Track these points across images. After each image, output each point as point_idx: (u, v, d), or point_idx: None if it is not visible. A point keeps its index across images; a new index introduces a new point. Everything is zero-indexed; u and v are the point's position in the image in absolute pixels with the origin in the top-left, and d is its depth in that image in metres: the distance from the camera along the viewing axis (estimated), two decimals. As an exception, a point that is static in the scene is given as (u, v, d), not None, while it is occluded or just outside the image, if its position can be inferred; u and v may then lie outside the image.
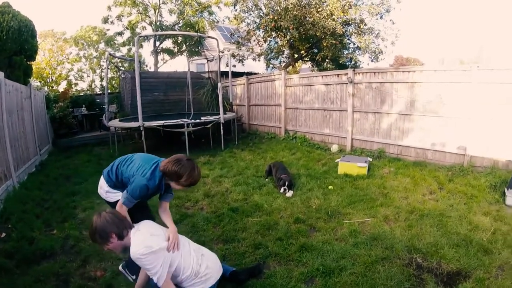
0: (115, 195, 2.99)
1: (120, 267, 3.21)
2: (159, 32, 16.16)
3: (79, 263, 3.61)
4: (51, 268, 3.49)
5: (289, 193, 5.33)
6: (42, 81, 22.78)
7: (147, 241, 2.41)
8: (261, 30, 14.49)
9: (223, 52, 12.13)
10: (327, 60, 14.73)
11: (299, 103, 10.02)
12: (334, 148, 8.49)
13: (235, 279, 3.01)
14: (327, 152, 8.40)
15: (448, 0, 73.66)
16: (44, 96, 11.93)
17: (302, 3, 12.40)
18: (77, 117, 14.35)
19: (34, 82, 20.77)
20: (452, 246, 3.52)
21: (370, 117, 7.88)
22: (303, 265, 3.29)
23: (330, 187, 5.52)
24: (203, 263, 2.69)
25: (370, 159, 6.91)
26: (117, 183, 2.99)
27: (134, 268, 2.91)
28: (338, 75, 8.68)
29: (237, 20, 14.82)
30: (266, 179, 6.22)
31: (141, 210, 3.01)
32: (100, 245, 2.49)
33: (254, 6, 14.06)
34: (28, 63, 10.74)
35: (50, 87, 22.45)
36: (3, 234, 4.39)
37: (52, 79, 23.61)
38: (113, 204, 2.95)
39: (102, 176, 3.12)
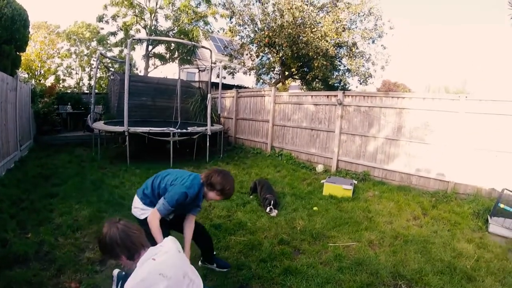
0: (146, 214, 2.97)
1: (115, 273, 3.04)
2: (153, 37, 16.11)
3: (53, 272, 3.43)
4: (24, 275, 3.31)
5: (274, 213, 5.25)
6: (30, 73, 22.37)
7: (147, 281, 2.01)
8: (255, 44, 14.69)
9: (215, 64, 12.16)
10: (317, 79, 14.93)
11: (287, 121, 10.07)
12: (320, 168, 8.53)
13: None
14: (313, 171, 8.43)
15: (435, 29, 75.70)
16: (31, 89, 11.62)
17: (297, 22, 12.62)
18: (62, 114, 14.04)
19: (22, 74, 20.38)
20: (436, 273, 3.55)
21: (357, 139, 7.99)
22: None
23: (315, 208, 5.49)
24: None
25: (355, 182, 6.96)
26: (154, 198, 2.95)
27: None
28: (328, 96, 8.78)
29: (232, 32, 14.97)
30: (251, 196, 6.15)
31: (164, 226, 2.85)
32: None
33: (250, 21, 14.21)
34: (18, 53, 10.42)
35: (38, 81, 22.08)
36: None
37: (40, 73, 23.22)
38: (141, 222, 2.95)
39: (136, 197, 3.10)
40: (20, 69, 12.07)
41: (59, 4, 48.89)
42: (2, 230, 4.24)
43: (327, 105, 8.70)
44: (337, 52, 13.76)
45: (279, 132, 10.41)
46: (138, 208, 3.03)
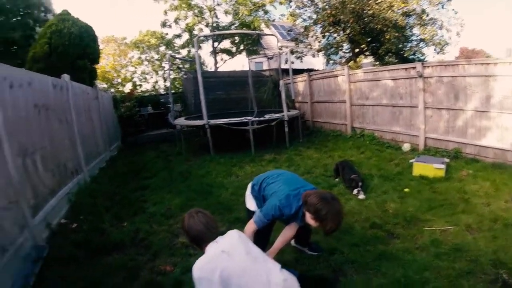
0: (250, 204, 3.16)
1: None
2: (218, 32, 16.50)
3: (148, 257, 3.74)
4: (121, 260, 3.64)
5: (362, 195, 5.13)
6: (108, 83, 24.16)
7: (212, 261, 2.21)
8: (319, 25, 14.34)
9: (282, 49, 12.11)
10: (389, 54, 14.19)
11: (365, 99, 9.67)
12: (406, 147, 8.08)
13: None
14: (399, 151, 8.01)
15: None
16: (111, 97, 12.76)
17: (360, -5, 11.99)
18: (144, 115, 15.13)
19: (101, 85, 22.17)
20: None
21: (444, 113, 7.37)
22: (382, 275, 3.10)
23: (406, 189, 5.23)
24: None
25: (447, 160, 6.45)
26: (258, 195, 3.08)
27: None
28: (405, 68, 8.25)
29: (293, 17, 14.76)
30: (336, 179, 6.10)
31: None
32: None
33: (309, 2, 13.89)
34: (92, 66, 11.45)
35: (116, 89, 23.79)
36: (75, 225, 4.69)
37: (118, 82, 24.98)
38: (247, 211, 3.21)
39: (250, 183, 3.28)
40: (98, 80, 13.27)
41: (123, 17, 52.68)
42: (99, 221, 4.71)
43: (406, 78, 8.17)
44: (407, 22, 12.86)
45: (358, 111, 10.05)
46: (247, 194, 3.24)
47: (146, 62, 25.50)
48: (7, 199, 3.41)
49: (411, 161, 6.38)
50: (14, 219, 3.47)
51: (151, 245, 4.00)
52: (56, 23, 10.04)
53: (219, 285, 2.09)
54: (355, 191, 5.20)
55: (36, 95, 4.80)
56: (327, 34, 14.59)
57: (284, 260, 3.38)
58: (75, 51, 10.07)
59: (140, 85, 25.28)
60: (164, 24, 18.87)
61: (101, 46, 13.36)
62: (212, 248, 2.29)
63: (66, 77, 6.49)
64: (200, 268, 2.18)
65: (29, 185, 4.10)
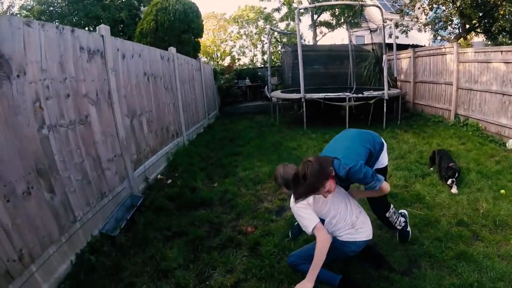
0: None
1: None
2: (319, 4, 16.03)
3: (232, 216, 4.03)
4: (207, 215, 3.98)
5: (455, 189, 4.68)
6: (209, 57, 25.50)
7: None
8: (426, -5, 13.04)
9: (386, 22, 11.34)
10: (504, 32, 12.35)
11: (473, 83, 8.42)
12: (511, 143, 6.90)
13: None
14: (502, 147, 6.97)
15: None
16: (212, 69, 13.56)
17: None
18: (241, 88, 15.82)
19: (202, 58, 23.59)
20: None
21: None
22: (456, 276, 2.88)
23: (502, 191, 4.60)
24: (360, 218, 2.77)
25: None
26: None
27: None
28: None
29: (399, -15, 13.65)
30: (431, 168, 5.66)
31: None
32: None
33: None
34: (196, 40, 12.20)
35: (216, 62, 25.04)
36: (169, 181, 5.26)
37: (217, 55, 26.22)
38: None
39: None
40: (200, 54, 14.25)
41: None
42: (193, 180, 5.20)
43: None
44: None
45: (464, 97, 8.85)
46: None
47: (244, 37, 26.24)
48: (113, 153, 4.01)
49: None
50: (117, 170, 4.08)
51: (236, 206, 4.30)
52: (161, 1, 10.97)
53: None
54: (449, 181, 4.78)
55: (145, 65, 5.42)
56: (435, 6, 13.14)
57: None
58: (180, 26, 10.93)
59: (239, 59, 26.19)
60: (263, -2, 19.07)
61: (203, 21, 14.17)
62: None
63: (172, 49, 7.15)
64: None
65: (134, 143, 4.72)
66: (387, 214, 3.25)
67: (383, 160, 3.07)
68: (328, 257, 2.59)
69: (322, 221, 2.69)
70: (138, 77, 5.06)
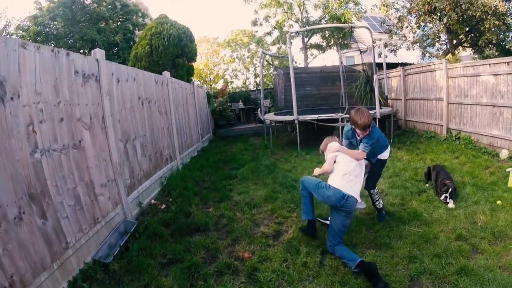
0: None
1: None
2: (309, 27, 16.45)
3: (229, 242, 3.94)
4: (202, 242, 3.88)
5: (451, 204, 4.70)
6: (202, 80, 25.80)
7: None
8: (413, 15, 13.37)
9: (375, 42, 11.59)
10: (490, 45, 12.68)
11: (463, 97, 8.62)
12: (504, 153, 6.97)
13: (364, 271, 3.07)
14: (495, 158, 7.07)
15: None
16: (205, 92, 13.67)
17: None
18: (235, 110, 16.00)
19: (195, 81, 23.86)
20: None
21: None
22: None
23: (498, 202, 4.64)
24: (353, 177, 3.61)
25: None
26: None
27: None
28: (508, 63, 7.09)
29: (386, 7, 14.06)
30: (426, 184, 5.69)
31: None
32: None
33: (403, -11, 13.11)
34: (189, 64, 12.37)
35: (209, 86, 25.33)
36: (164, 206, 5.17)
37: (210, 79, 26.58)
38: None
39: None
40: (193, 77, 14.48)
41: (214, 19, 55.41)
42: (187, 205, 5.11)
43: (509, 74, 7.05)
44: (508, 8, 11.27)
45: (455, 111, 9.04)
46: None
47: (237, 60, 26.67)
48: (107, 178, 3.95)
49: (507, 170, 5.58)
50: (110, 195, 4.00)
51: (232, 231, 4.23)
52: (155, 25, 11.24)
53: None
54: (442, 197, 4.80)
55: (140, 89, 5.44)
56: (422, 24, 13.52)
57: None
58: (174, 50, 11.14)
59: (232, 82, 26.53)
60: (254, 23, 19.59)
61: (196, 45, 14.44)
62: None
63: (166, 73, 7.21)
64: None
65: (127, 167, 4.67)
66: (372, 191, 4.38)
67: (385, 154, 4.36)
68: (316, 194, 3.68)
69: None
70: (133, 101, 5.06)
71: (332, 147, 3.88)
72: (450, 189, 4.77)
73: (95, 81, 3.85)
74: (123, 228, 4.02)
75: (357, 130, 3.79)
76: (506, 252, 3.43)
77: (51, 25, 16.47)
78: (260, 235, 4.10)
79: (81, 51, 15.59)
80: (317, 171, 3.92)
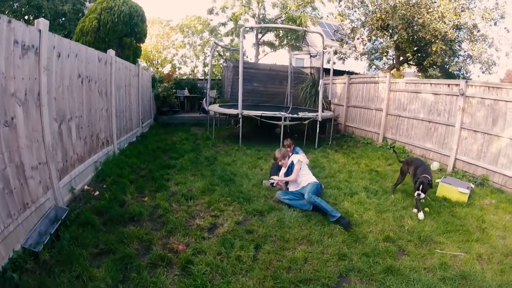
0: None
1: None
2: (265, 25, 16.55)
3: (163, 233, 3.89)
4: (136, 232, 3.80)
5: (421, 215, 4.79)
6: (149, 63, 24.85)
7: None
8: (366, 28, 13.97)
9: (326, 49, 11.98)
10: (434, 66, 13.69)
11: (402, 111, 9.40)
12: (435, 165, 7.80)
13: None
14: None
15: None
16: (151, 75, 13.17)
17: (411, 2, 11.70)
18: (179, 98, 15.59)
19: (142, 63, 22.91)
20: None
21: (479, 137, 7.02)
22: None
23: (426, 209, 5.06)
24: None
25: (473, 186, 6.20)
26: None
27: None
28: (448, 85, 7.92)
29: (342, 16, 14.48)
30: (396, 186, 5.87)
31: None
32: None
33: (360, 3, 13.60)
34: (138, 45, 11.85)
35: (156, 69, 24.45)
36: (97, 193, 4.96)
37: (158, 62, 25.65)
38: None
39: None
40: (140, 59, 13.85)
41: (170, 0, 53.56)
42: (122, 193, 4.95)
43: (448, 95, 7.86)
44: (456, 36, 12.19)
45: (392, 122, 9.80)
46: None
47: (188, 46, 26.02)
48: (38, 160, 3.67)
49: (437, 181, 6.12)
50: (41, 179, 3.73)
51: (167, 223, 4.16)
52: (107, 0, 10.45)
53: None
54: (416, 194, 4.87)
55: (81, 66, 5.09)
56: (373, 38, 14.21)
57: (294, 257, 3.54)
58: (123, 28, 10.52)
59: (180, 68, 25.81)
60: (211, 11, 19.21)
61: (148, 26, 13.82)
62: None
63: (111, 52, 6.82)
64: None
65: (61, 149, 4.38)
66: None
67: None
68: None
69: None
70: (72, 79, 4.74)
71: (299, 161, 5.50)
72: (421, 185, 4.83)
73: (34, 53, 3.53)
74: (54, 215, 3.78)
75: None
76: (431, 255, 3.78)
77: (-2, -14, 14.81)
78: (196, 228, 4.10)
79: (26, 17, 14.21)
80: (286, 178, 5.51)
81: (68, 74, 4.60)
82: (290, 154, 5.99)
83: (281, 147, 5.71)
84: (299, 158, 5.51)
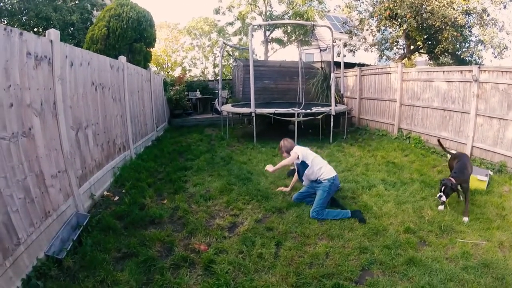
0: None
1: None
2: (272, 22, 16.53)
3: (184, 234, 3.92)
4: (157, 235, 3.81)
5: (440, 207, 4.68)
6: (159, 67, 25.03)
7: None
8: (375, 18, 13.84)
9: (335, 42, 11.90)
10: (446, 53, 13.45)
11: (416, 100, 9.21)
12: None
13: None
14: (444, 157, 7.54)
15: None
16: (162, 79, 13.27)
17: (419, -11, 11.45)
18: (192, 100, 15.65)
19: (152, 67, 23.09)
20: None
21: (495, 123, 6.81)
22: (408, 280, 3.07)
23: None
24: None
25: (491, 173, 6.07)
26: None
27: None
28: (461, 71, 7.72)
29: (349, 8, 14.38)
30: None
31: None
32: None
33: (367, -7, 13.51)
34: (148, 49, 11.97)
35: (166, 72, 24.61)
36: (117, 198, 5.01)
37: (168, 65, 25.81)
38: None
39: None
40: (150, 63, 14.02)
41: (175, 4, 54.01)
42: (141, 196, 5.00)
43: (461, 82, 7.67)
44: (466, 21, 12.01)
45: (407, 112, 9.62)
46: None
47: (197, 48, 26.13)
48: (57, 168, 3.73)
49: None
50: (61, 186, 3.79)
51: (188, 224, 4.19)
52: (115, 7, 10.65)
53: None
54: (438, 195, 4.64)
55: (94, 74, 5.17)
56: (382, 28, 14.07)
57: (316, 252, 3.53)
58: (132, 34, 10.65)
59: (190, 70, 25.94)
60: (217, 11, 19.27)
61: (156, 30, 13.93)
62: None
63: (122, 58, 6.90)
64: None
65: (79, 157, 4.44)
66: None
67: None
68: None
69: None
70: (86, 87, 4.81)
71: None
72: (443, 187, 4.59)
73: (47, 64, 3.59)
74: (75, 222, 3.84)
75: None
76: (452, 244, 3.73)
77: (6, 0, 15.17)
78: (216, 227, 4.11)
79: (35, 29, 14.51)
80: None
81: (82, 82, 4.66)
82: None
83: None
84: (296, 151, 4.97)
